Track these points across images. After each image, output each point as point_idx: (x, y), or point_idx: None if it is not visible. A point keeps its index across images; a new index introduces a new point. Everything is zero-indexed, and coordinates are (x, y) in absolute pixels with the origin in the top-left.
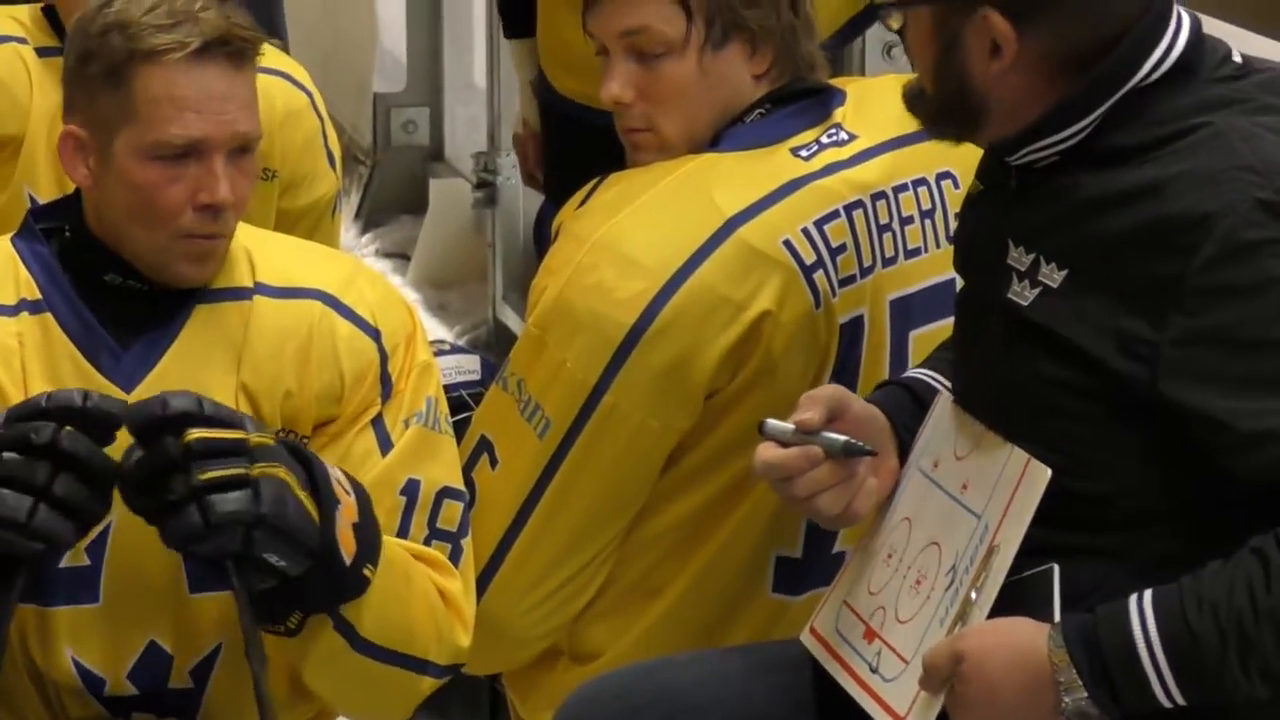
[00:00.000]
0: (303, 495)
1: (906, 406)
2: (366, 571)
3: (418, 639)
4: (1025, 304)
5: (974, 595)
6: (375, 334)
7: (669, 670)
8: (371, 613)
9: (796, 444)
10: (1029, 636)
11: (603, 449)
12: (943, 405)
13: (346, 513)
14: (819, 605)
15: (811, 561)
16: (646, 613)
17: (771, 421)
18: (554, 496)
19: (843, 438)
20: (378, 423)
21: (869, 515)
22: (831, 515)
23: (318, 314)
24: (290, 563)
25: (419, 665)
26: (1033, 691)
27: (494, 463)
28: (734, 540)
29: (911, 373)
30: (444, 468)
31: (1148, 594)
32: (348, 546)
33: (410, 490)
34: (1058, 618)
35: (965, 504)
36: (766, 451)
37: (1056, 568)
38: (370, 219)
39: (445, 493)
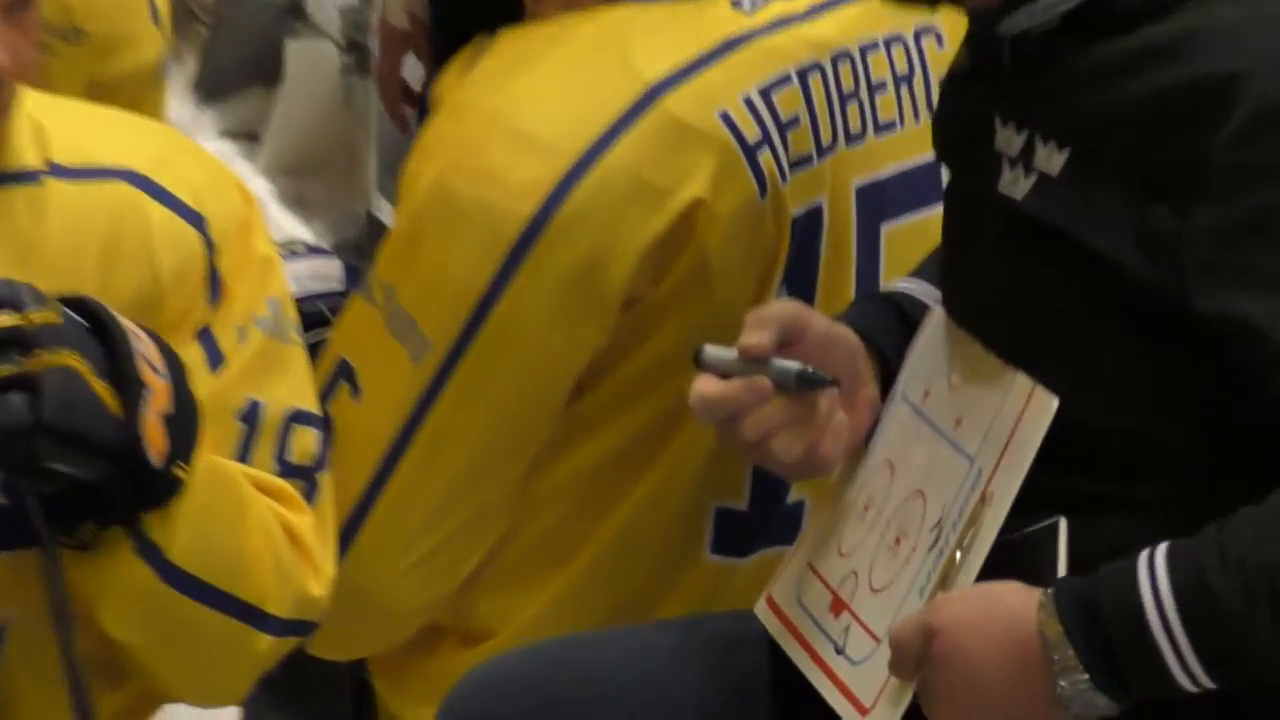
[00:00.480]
0: (99, 385)
1: (890, 325)
2: (178, 470)
3: (250, 577)
4: (1019, 197)
5: (959, 556)
6: (199, 221)
7: (581, 650)
8: (186, 530)
9: (741, 375)
10: (1016, 605)
11: (494, 373)
12: (936, 323)
13: (156, 400)
14: (778, 570)
15: (761, 515)
16: (553, 580)
17: (710, 348)
18: (433, 434)
19: (796, 365)
20: (205, 333)
21: (840, 460)
22: (791, 462)
23: (126, 199)
24: (83, 469)
25: (253, 615)
26: (1020, 674)
27: (356, 392)
28: (662, 489)
29: (897, 284)
30: (293, 386)
31: (1161, 548)
32: (155, 442)
33: (251, 416)
34: None
35: (957, 444)
36: (704, 385)
37: (1064, 522)
38: (211, 91)
39: (296, 418)
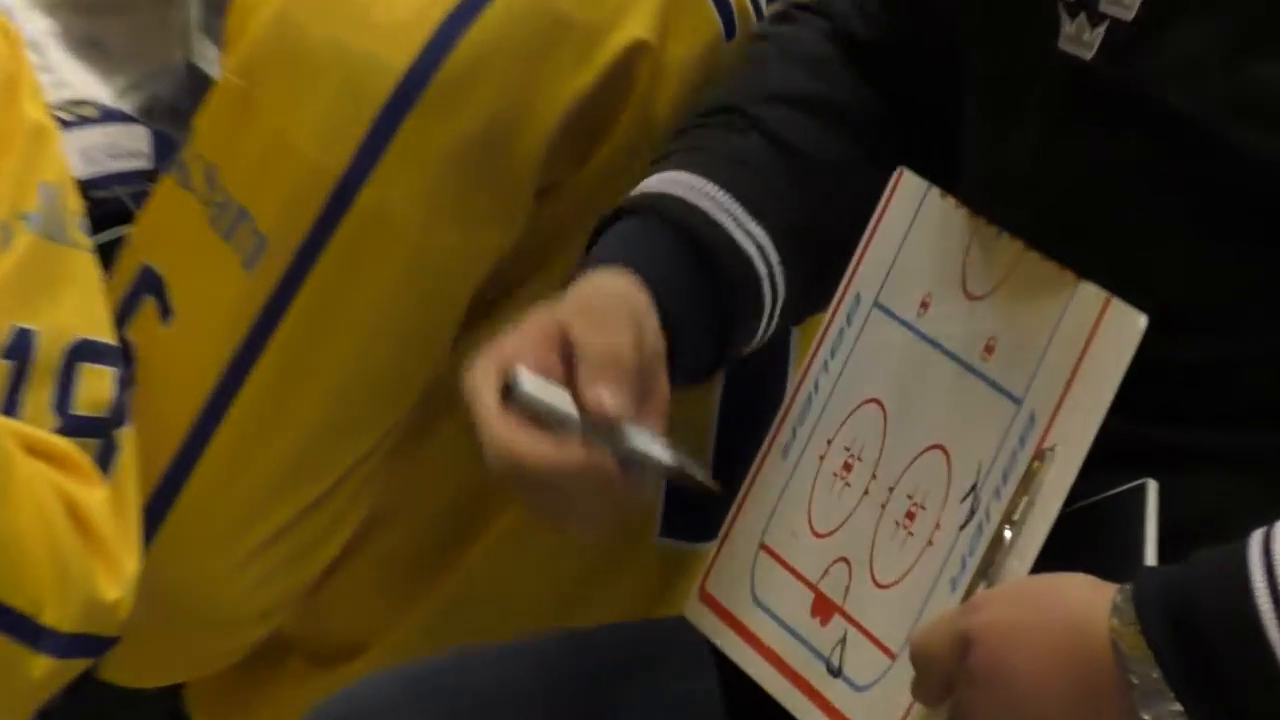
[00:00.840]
0: None
1: (682, 281)
2: None
3: (17, 577)
4: (1089, 55)
5: (1008, 535)
6: None
7: (474, 673)
8: None
9: (566, 432)
10: (1081, 606)
11: (358, 287)
12: (930, 206)
13: None
14: (714, 549)
15: (726, 486)
16: (439, 578)
17: (530, 380)
18: (274, 370)
19: (668, 457)
20: None
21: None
22: (584, 539)
23: None
24: None
25: (22, 628)
26: (1087, 700)
27: (166, 313)
28: None
29: (668, 186)
30: (77, 307)
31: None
32: None
33: (17, 350)
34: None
35: (992, 378)
36: (512, 435)
37: (1153, 485)
38: None
39: (82, 351)
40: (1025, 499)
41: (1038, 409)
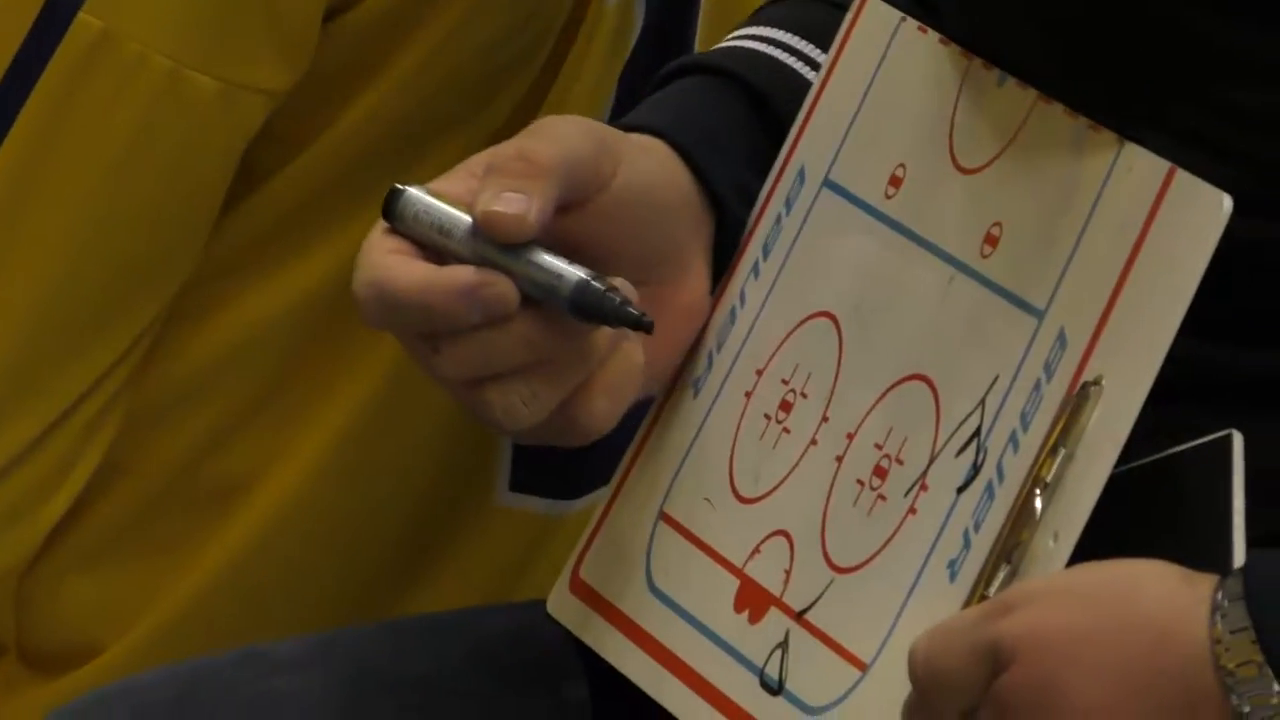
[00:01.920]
0: None
1: (740, 130)
2: None
3: None
4: None
5: (1038, 503)
6: None
7: (251, 681)
8: None
9: (462, 257)
10: (1163, 608)
11: (81, 145)
12: (887, 32)
13: None
14: (589, 526)
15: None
16: (208, 545)
17: (417, 191)
18: None
19: (577, 272)
20: None
21: (609, 423)
22: (518, 424)
23: None
24: None
25: None
26: None
27: None
28: (403, 373)
29: (739, 41)
30: None
31: None
32: None
33: None
34: (1239, 558)
35: (992, 280)
36: (391, 263)
37: (1238, 439)
38: None
39: None
40: (1062, 452)
41: (1070, 325)
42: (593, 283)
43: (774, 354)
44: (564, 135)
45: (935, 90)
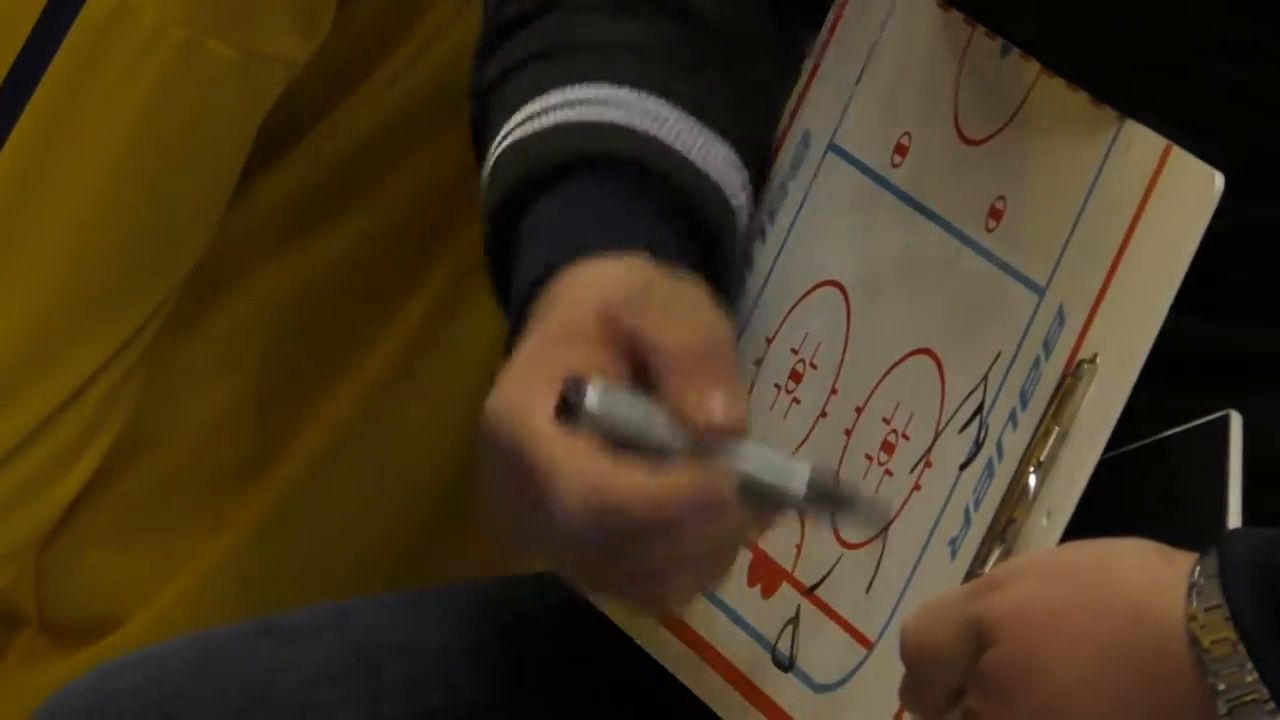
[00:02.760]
0: None
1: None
2: None
3: None
4: None
5: (1032, 481)
6: None
7: (262, 652)
8: None
9: (662, 452)
10: (1142, 584)
11: (99, 113)
12: (909, 8)
13: None
14: None
15: None
16: (226, 522)
17: (600, 389)
18: None
19: (806, 469)
20: None
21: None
22: (673, 612)
23: None
24: None
25: None
26: (1149, 712)
27: None
28: (433, 336)
29: (590, 111)
30: None
31: None
32: None
33: None
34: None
35: (996, 255)
36: (600, 466)
37: (1236, 419)
38: None
39: None
40: (1056, 430)
41: (1068, 302)
42: (832, 483)
43: (782, 323)
44: (715, 327)
45: (939, 58)
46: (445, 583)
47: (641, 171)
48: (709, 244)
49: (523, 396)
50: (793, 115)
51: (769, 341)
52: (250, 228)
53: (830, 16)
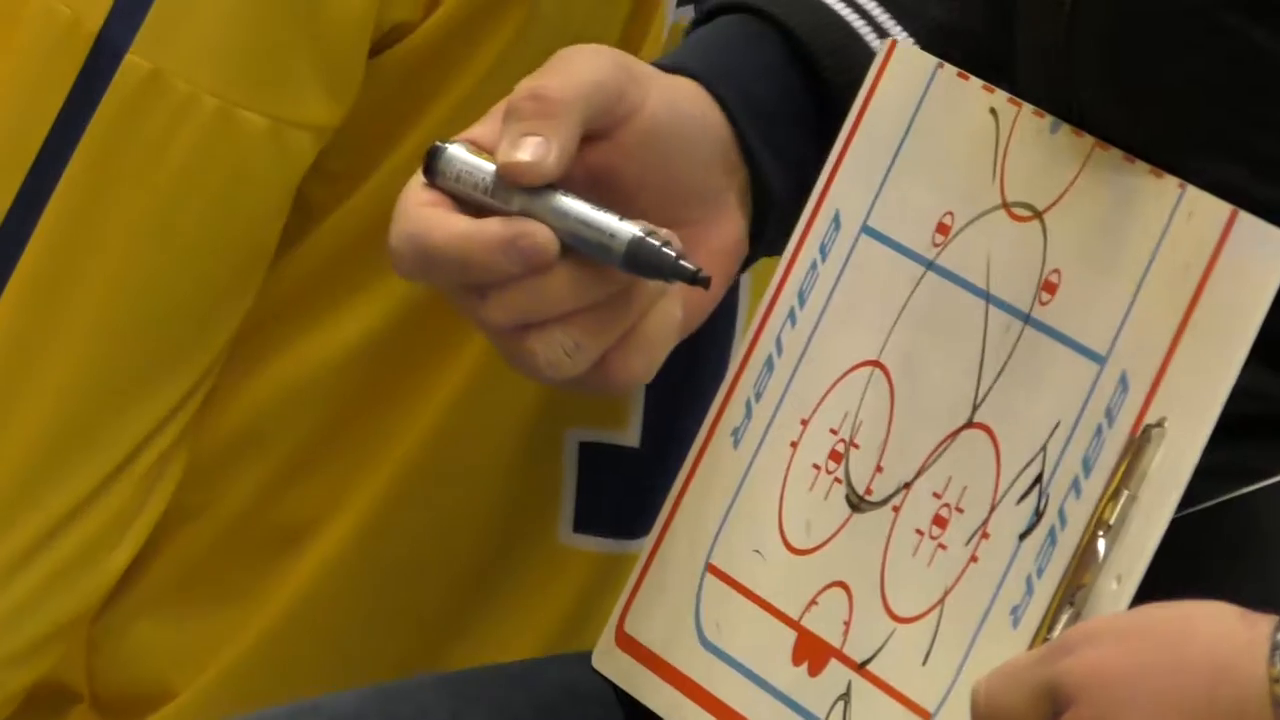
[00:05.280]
0: None
1: (770, 74)
2: None
3: None
4: None
5: (1101, 546)
6: None
7: None
8: None
9: (500, 208)
10: (1222, 647)
11: (131, 186)
12: (923, 78)
13: None
14: (632, 578)
15: (660, 456)
16: (269, 594)
17: (456, 148)
18: (22, 311)
19: (630, 226)
20: None
21: (646, 376)
22: (560, 374)
23: None
24: None
25: None
26: None
27: None
28: (470, 405)
29: None
30: None
31: None
32: None
33: None
34: None
35: (1053, 328)
36: (432, 217)
37: None
38: None
39: None
40: (1125, 495)
41: (1131, 369)
42: (648, 238)
43: (820, 403)
44: (583, 66)
45: (981, 137)
46: (482, 659)
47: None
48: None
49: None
50: (821, 196)
51: (804, 423)
52: (290, 295)
53: (860, 96)
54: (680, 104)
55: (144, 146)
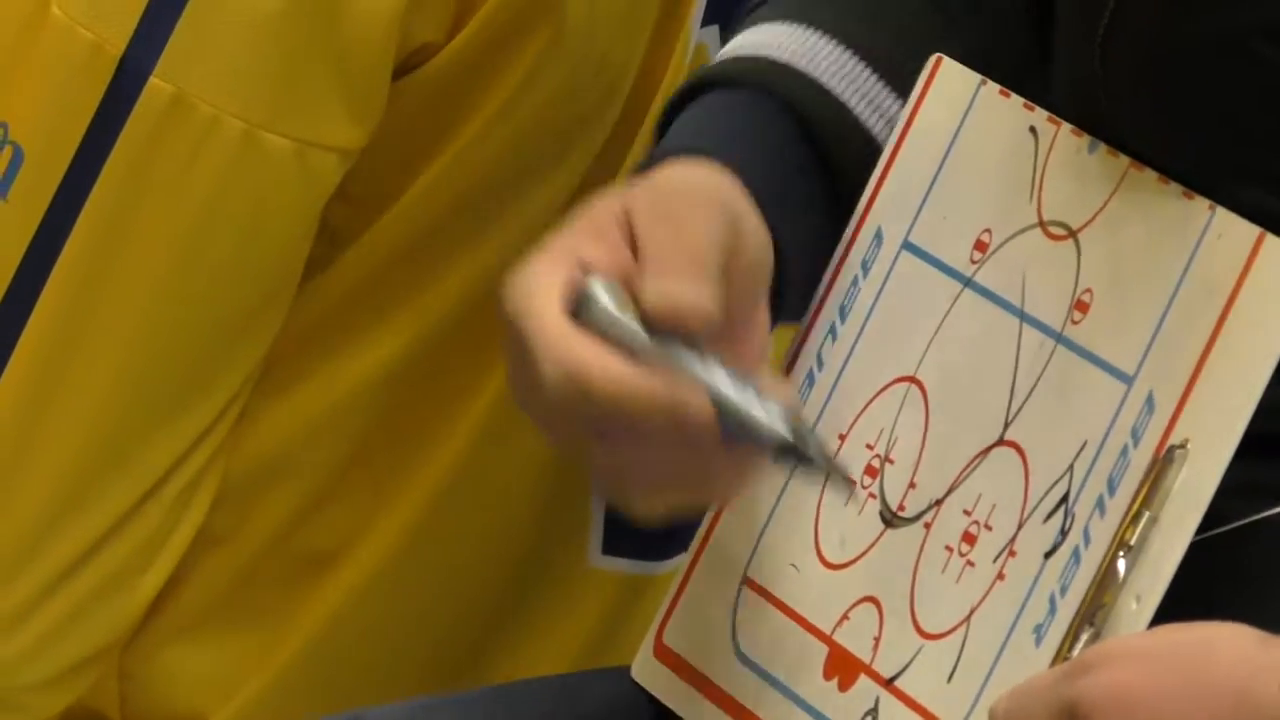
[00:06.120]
0: None
1: (789, 166)
2: None
3: None
4: None
5: (1122, 565)
6: None
7: None
8: None
9: (652, 359)
10: (1242, 669)
11: (158, 209)
12: (967, 95)
13: None
14: (670, 592)
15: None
16: (300, 614)
17: (604, 286)
18: (51, 334)
19: (781, 426)
20: None
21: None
22: (646, 520)
23: None
24: None
25: None
26: None
27: None
28: (498, 430)
29: (766, 49)
30: None
31: None
32: None
33: None
34: None
35: (1084, 347)
36: (581, 346)
37: None
38: None
39: None
40: (1146, 515)
41: (1158, 389)
42: (808, 450)
43: (856, 419)
44: (709, 236)
45: (1020, 155)
46: (516, 677)
47: (773, 97)
48: (846, 189)
49: (532, 278)
50: (864, 213)
51: (841, 438)
52: (317, 321)
53: (905, 113)
54: (763, 242)
55: (169, 170)
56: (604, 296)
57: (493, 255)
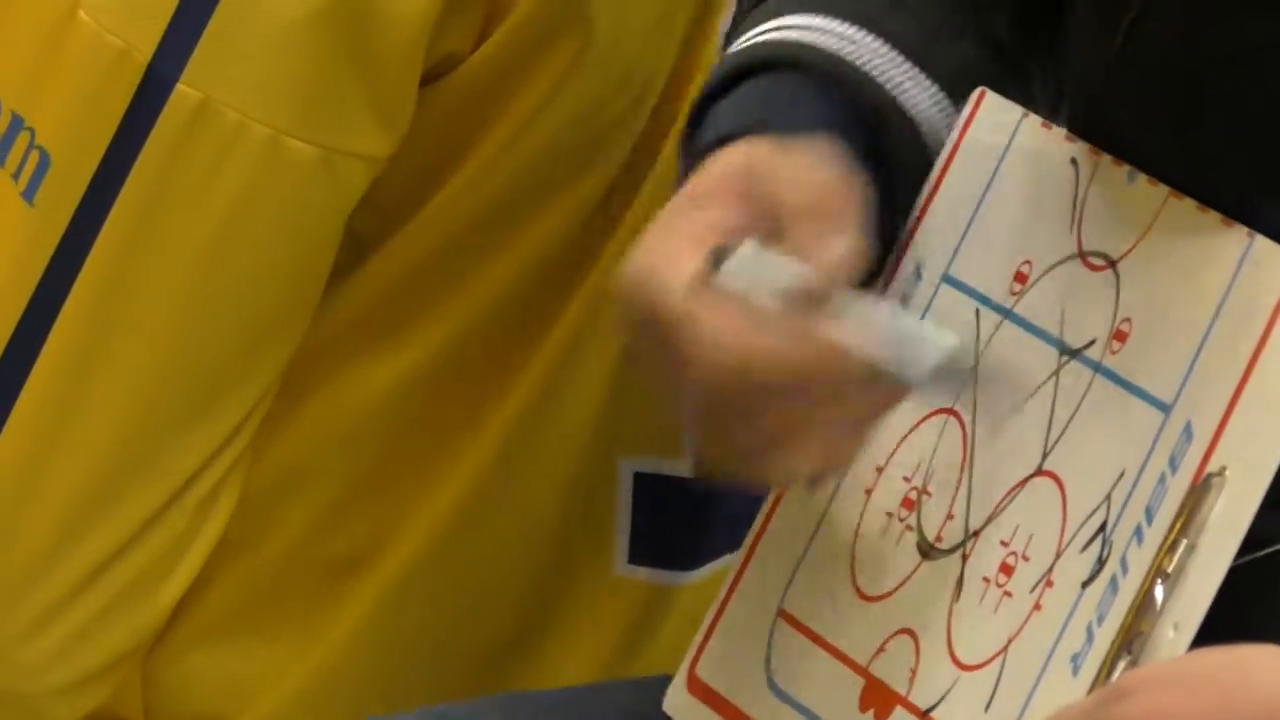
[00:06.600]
0: None
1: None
2: None
3: None
4: None
5: (1159, 593)
6: None
7: None
8: None
9: (790, 314)
10: (1274, 689)
11: (184, 217)
12: (1009, 127)
13: None
14: (704, 624)
15: (721, 487)
16: (328, 621)
17: (751, 247)
18: (74, 342)
19: (945, 338)
20: None
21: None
22: (789, 484)
23: None
24: None
25: None
26: None
27: None
28: (524, 437)
29: (818, 25)
30: None
31: None
32: None
33: None
34: None
35: (1122, 377)
36: (737, 325)
37: None
38: None
39: None
40: (1184, 543)
41: (1196, 418)
42: (957, 353)
43: (894, 451)
44: (843, 184)
45: (1061, 186)
46: (536, 687)
47: (818, 78)
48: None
49: (658, 258)
50: (904, 248)
51: (879, 470)
52: (342, 328)
53: (947, 147)
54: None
55: (195, 176)
56: (754, 256)
57: (518, 264)
